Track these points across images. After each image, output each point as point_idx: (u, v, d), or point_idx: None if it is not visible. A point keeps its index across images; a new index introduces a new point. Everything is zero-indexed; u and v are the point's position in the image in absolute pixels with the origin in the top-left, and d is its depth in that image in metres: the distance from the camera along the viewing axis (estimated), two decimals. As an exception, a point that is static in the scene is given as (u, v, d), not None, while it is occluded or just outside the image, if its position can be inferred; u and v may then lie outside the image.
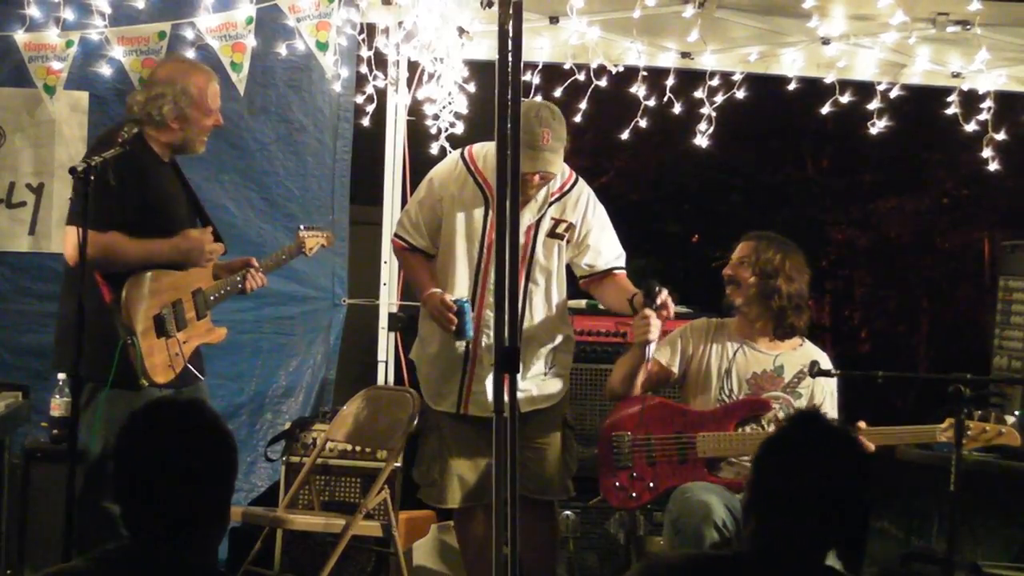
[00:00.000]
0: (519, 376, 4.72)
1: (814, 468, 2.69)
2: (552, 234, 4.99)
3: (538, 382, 5.00)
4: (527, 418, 4.75)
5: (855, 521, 2.71)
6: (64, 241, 4.74)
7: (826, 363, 4.91)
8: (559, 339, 5.07)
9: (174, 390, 4.80)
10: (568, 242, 5.04)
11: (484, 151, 4.99)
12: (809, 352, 4.98)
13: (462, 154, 5.04)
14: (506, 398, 3.61)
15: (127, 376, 4.62)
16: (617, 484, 4.88)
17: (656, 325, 4.81)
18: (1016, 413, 5.38)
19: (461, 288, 4.98)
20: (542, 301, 5.01)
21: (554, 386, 5.04)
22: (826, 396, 4.90)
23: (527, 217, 4.91)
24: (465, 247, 4.99)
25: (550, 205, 4.99)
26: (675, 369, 4.98)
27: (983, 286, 15.45)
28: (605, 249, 5.13)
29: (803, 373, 4.88)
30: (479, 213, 4.96)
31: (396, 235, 5.18)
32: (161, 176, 4.90)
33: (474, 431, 4.91)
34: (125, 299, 4.62)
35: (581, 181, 5.10)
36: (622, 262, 5.18)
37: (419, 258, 5.12)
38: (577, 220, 5.04)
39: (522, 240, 4.82)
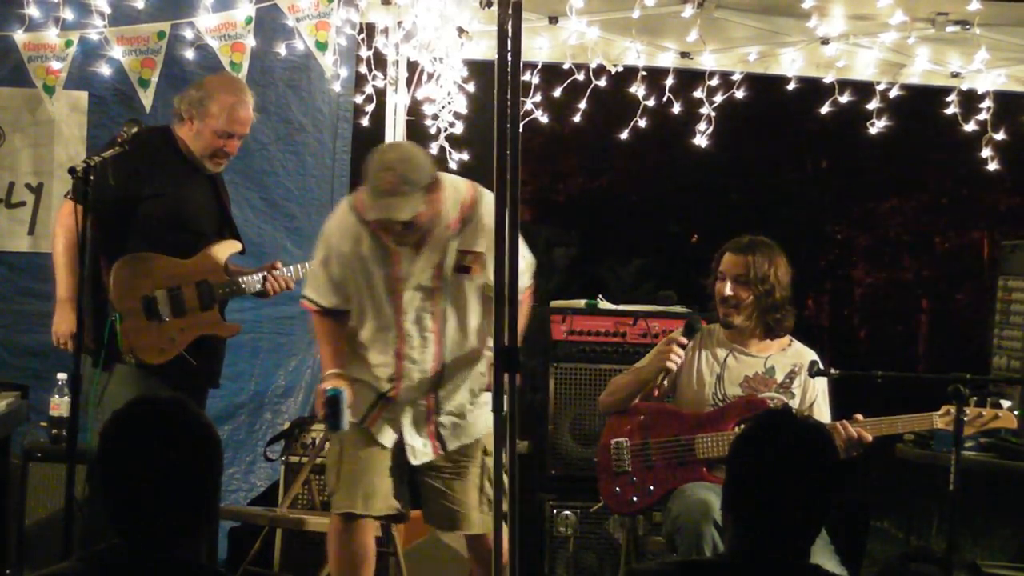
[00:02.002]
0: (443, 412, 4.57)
1: (784, 464, 2.70)
2: (459, 268, 4.59)
3: (464, 413, 4.69)
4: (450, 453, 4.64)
5: (827, 514, 2.72)
6: (58, 212, 5.01)
7: (814, 359, 4.92)
8: (483, 365, 4.70)
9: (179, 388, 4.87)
10: (479, 270, 4.60)
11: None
12: (798, 351, 4.97)
13: (351, 204, 4.62)
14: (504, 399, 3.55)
15: (115, 353, 4.81)
16: (617, 490, 4.88)
17: (681, 356, 4.82)
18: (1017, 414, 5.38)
19: (378, 346, 4.64)
20: (457, 334, 4.64)
21: (481, 418, 4.67)
22: (818, 394, 4.90)
23: (423, 259, 4.53)
24: (374, 302, 4.61)
25: (452, 240, 4.57)
26: (664, 382, 4.96)
27: (982, 286, 15.47)
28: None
29: (794, 373, 4.87)
30: (380, 261, 4.57)
31: (304, 296, 4.75)
32: (172, 176, 4.96)
33: (369, 445, 4.67)
34: (113, 277, 4.74)
35: (483, 198, 4.60)
36: (527, 279, 4.71)
37: (328, 324, 4.72)
38: (486, 247, 4.55)
39: (429, 284, 4.54)
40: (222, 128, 4.99)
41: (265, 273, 5.13)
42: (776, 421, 2.89)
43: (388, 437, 4.64)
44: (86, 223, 4.25)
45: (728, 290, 4.87)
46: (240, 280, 5.08)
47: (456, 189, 4.61)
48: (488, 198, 4.54)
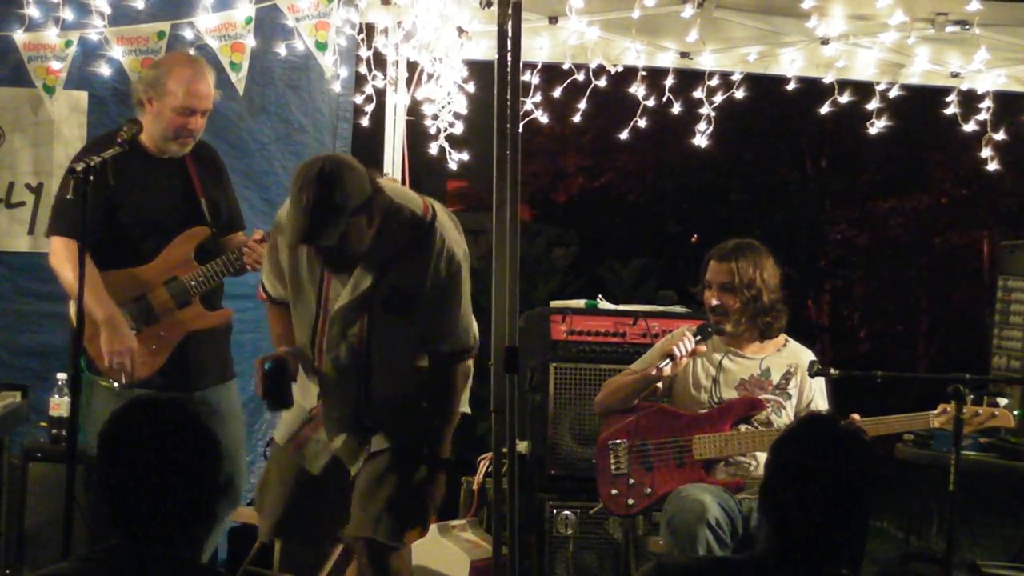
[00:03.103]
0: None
1: (826, 469, 2.70)
2: (386, 307, 4.12)
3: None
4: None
5: (862, 521, 2.72)
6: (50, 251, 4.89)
7: (812, 359, 4.91)
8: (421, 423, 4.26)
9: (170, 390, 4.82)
10: (412, 317, 4.14)
11: None
12: (794, 351, 4.96)
13: None
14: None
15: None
16: (615, 492, 4.87)
17: (687, 349, 4.81)
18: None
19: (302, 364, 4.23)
20: (382, 375, 4.21)
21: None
22: (815, 393, 4.90)
23: (352, 283, 4.08)
24: (302, 300, 4.19)
25: (388, 270, 4.09)
26: (660, 385, 4.95)
27: (982, 286, 15.47)
28: (442, 329, 4.20)
29: (791, 373, 4.87)
30: (313, 275, 4.16)
31: (260, 282, 4.42)
32: (140, 174, 4.87)
33: (297, 471, 4.33)
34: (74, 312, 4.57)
35: (438, 231, 4.07)
36: (463, 345, 4.25)
37: (279, 311, 4.36)
38: (417, 288, 4.09)
39: (353, 313, 4.11)
40: (181, 104, 4.81)
41: (238, 250, 4.86)
42: (816, 425, 2.88)
43: (317, 463, 4.31)
44: (86, 224, 4.23)
45: (715, 299, 4.87)
46: (211, 265, 4.89)
47: (409, 213, 4.08)
48: (446, 232, 4.10)
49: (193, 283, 4.89)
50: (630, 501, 4.83)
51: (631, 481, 4.84)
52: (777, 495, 2.74)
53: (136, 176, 4.86)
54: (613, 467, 4.88)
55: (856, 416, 4.64)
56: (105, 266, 4.78)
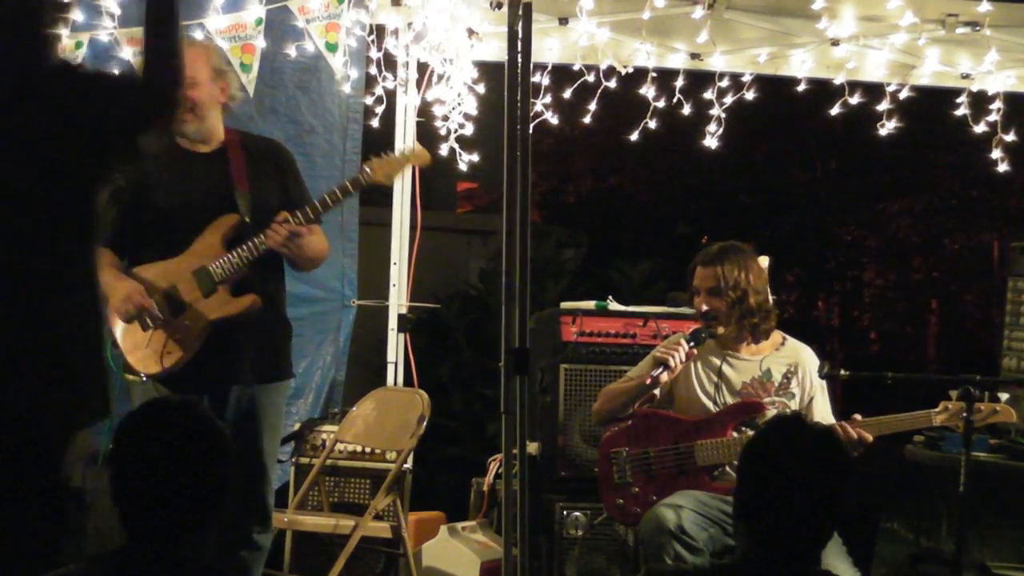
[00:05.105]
0: None
1: (795, 470, 2.70)
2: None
3: None
4: None
5: (841, 517, 2.72)
6: None
7: (811, 356, 4.88)
8: None
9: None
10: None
11: None
12: (793, 349, 4.92)
13: None
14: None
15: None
16: (620, 502, 4.85)
17: (682, 358, 4.77)
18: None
19: None
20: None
21: None
22: (816, 390, 4.86)
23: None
24: None
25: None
26: (657, 392, 4.92)
27: (992, 287, 15.47)
28: None
29: (791, 372, 4.84)
30: None
31: None
32: (167, 168, 4.78)
33: None
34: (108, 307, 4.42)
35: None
36: None
37: None
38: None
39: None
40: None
41: (262, 232, 4.62)
42: (785, 427, 2.88)
43: None
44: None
45: (704, 304, 4.84)
46: (236, 251, 4.64)
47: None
48: None
49: (218, 270, 4.64)
50: (636, 510, 4.80)
51: (635, 490, 4.80)
52: (750, 499, 2.75)
53: (169, 171, 4.69)
54: (616, 477, 4.85)
55: (858, 416, 4.61)
56: (139, 260, 4.68)
